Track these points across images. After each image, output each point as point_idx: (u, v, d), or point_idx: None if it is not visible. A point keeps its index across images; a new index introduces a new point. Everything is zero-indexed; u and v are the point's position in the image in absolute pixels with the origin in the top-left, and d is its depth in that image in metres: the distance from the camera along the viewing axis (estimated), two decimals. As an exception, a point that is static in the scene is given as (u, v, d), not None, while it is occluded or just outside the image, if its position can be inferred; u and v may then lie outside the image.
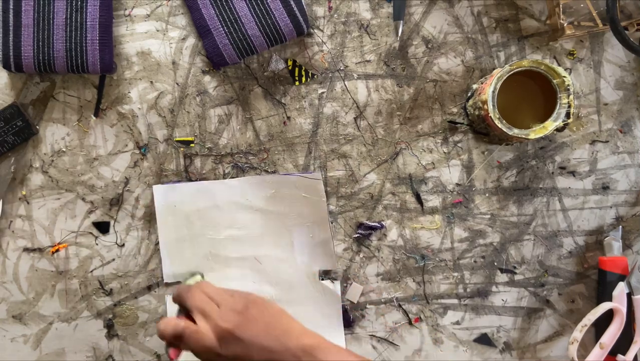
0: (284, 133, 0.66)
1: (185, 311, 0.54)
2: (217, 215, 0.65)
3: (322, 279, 0.66)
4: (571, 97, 0.59)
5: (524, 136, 0.59)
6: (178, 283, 0.66)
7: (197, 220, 0.65)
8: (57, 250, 0.65)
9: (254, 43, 0.63)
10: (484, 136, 0.66)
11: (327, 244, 0.66)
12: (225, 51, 0.63)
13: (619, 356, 0.64)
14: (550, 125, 0.59)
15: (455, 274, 0.67)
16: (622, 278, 0.64)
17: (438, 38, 0.66)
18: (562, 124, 0.60)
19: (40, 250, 0.66)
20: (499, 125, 0.59)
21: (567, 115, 0.60)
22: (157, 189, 0.65)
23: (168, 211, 0.65)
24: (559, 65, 0.66)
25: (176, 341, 0.52)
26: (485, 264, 0.67)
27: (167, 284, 0.66)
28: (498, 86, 0.59)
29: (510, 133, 0.59)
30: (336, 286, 0.66)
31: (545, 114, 0.60)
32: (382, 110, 0.66)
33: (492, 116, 0.59)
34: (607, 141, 0.66)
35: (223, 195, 0.65)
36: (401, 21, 0.64)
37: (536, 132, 0.59)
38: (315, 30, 0.66)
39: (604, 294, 0.64)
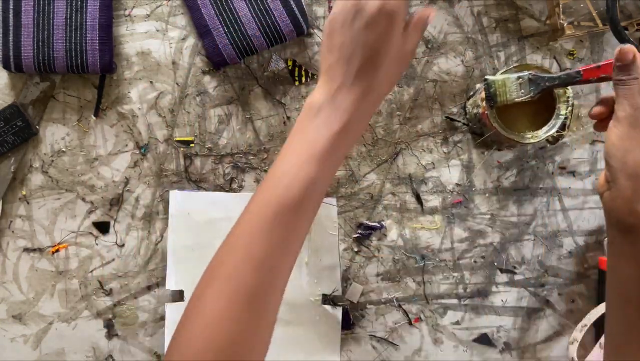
0: (284, 133, 0.66)
1: None
2: (228, 226, 0.65)
3: (325, 303, 0.66)
4: (569, 109, 0.60)
5: (515, 139, 0.59)
6: (180, 291, 0.65)
7: (207, 230, 0.65)
8: (57, 250, 0.65)
9: (254, 43, 0.63)
10: (478, 137, 0.66)
11: (334, 270, 0.65)
12: (225, 51, 0.63)
13: (619, 356, 0.64)
14: (543, 134, 0.60)
15: (455, 274, 0.67)
16: (622, 278, 0.64)
17: (438, 38, 0.66)
18: (555, 135, 0.60)
19: (40, 250, 0.66)
20: (494, 124, 0.59)
21: (563, 127, 0.60)
22: (174, 195, 0.65)
23: (181, 218, 0.65)
24: (559, 65, 0.66)
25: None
26: (485, 264, 0.67)
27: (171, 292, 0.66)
28: (498, 86, 0.59)
29: (503, 134, 0.59)
30: (337, 312, 0.65)
31: (542, 123, 0.61)
32: (382, 110, 0.66)
33: (488, 115, 0.59)
34: (607, 141, 0.66)
35: (236, 207, 0.65)
36: (401, 21, 0.64)
37: (528, 139, 0.60)
38: (315, 30, 0.66)
39: (604, 294, 0.64)
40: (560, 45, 0.66)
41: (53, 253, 0.65)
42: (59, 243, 0.66)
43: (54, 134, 0.65)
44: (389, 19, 0.44)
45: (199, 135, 0.66)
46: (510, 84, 0.57)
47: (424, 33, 0.66)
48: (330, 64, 0.45)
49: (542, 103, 0.61)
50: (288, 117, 0.66)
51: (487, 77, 0.57)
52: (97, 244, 0.66)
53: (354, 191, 0.66)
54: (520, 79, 0.57)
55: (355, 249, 0.66)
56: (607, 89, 0.66)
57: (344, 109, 0.44)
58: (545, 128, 0.60)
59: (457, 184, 0.66)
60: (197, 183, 0.66)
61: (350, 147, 0.44)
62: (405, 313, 0.67)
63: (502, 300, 0.67)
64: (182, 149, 0.66)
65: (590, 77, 0.54)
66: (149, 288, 0.66)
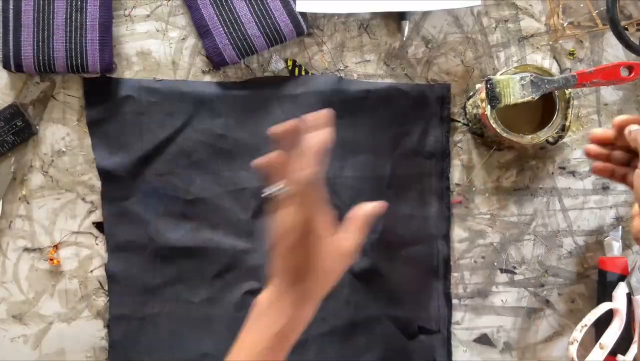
0: (284, 133, 0.66)
1: None
2: None
3: None
4: (569, 110, 0.60)
5: (515, 140, 0.59)
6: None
7: None
8: (57, 250, 0.65)
9: (254, 43, 0.63)
10: (478, 137, 0.66)
11: None
12: (225, 51, 0.63)
13: (619, 356, 0.64)
14: (543, 135, 0.60)
15: (455, 274, 0.67)
16: (622, 278, 0.64)
17: (438, 38, 0.66)
18: (556, 136, 0.60)
19: (40, 250, 0.66)
20: (494, 125, 0.59)
21: (563, 127, 0.60)
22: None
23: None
24: (559, 65, 0.66)
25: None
26: (485, 264, 0.67)
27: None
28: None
29: (503, 135, 0.59)
30: None
31: (542, 123, 0.61)
32: (382, 110, 0.66)
33: (488, 115, 0.59)
34: (607, 141, 0.66)
35: None
36: (407, 21, 0.65)
37: (528, 140, 0.60)
38: (315, 30, 0.66)
39: (604, 294, 0.64)
40: (560, 45, 0.66)
41: (53, 253, 0.65)
42: (59, 243, 0.66)
43: (54, 134, 0.65)
44: (303, 240, 0.46)
45: (199, 135, 0.66)
46: (514, 84, 0.57)
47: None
48: (275, 268, 0.48)
49: (542, 103, 0.61)
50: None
51: (490, 77, 0.57)
52: (97, 244, 0.66)
53: (354, 191, 0.66)
54: (523, 80, 0.57)
55: (355, 249, 0.66)
56: (608, 90, 0.66)
57: (283, 313, 0.47)
58: (545, 129, 0.60)
59: (457, 184, 0.66)
60: (197, 183, 0.66)
61: (289, 348, 0.47)
62: (405, 313, 0.67)
63: (502, 300, 0.67)
64: (182, 149, 0.66)
65: (585, 82, 0.55)
66: (149, 288, 0.66)
